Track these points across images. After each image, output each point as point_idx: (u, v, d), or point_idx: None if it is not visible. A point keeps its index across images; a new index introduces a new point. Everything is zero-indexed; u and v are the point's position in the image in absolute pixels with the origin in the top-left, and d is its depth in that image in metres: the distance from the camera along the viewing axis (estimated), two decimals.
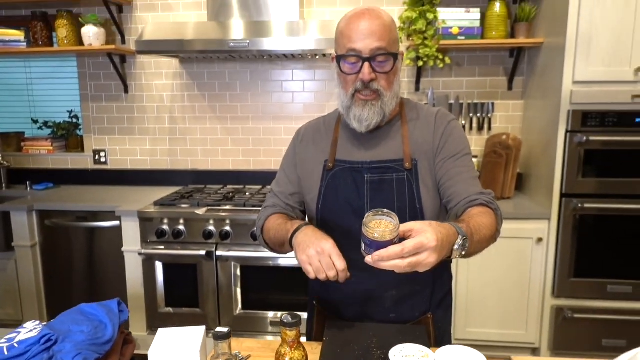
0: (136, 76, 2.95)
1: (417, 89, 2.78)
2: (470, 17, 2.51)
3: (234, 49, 2.36)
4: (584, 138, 2.17)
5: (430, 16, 2.49)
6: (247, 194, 2.67)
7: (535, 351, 2.40)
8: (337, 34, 1.17)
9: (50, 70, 3.18)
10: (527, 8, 2.48)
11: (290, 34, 2.38)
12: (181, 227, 2.35)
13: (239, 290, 2.38)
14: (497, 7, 2.50)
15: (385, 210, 0.84)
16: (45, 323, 1.01)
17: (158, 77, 2.93)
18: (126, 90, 2.95)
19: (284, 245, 1.14)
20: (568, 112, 2.19)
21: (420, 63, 2.58)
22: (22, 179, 3.00)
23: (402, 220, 0.87)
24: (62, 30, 2.72)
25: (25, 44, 2.75)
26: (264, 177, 2.88)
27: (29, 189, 2.92)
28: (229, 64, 2.88)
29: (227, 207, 2.40)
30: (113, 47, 2.68)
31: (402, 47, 2.52)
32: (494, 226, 1.06)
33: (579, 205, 2.21)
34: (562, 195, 2.24)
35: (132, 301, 2.44)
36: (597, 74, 2.14)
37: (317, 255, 0.97)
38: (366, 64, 1.09)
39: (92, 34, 2.67)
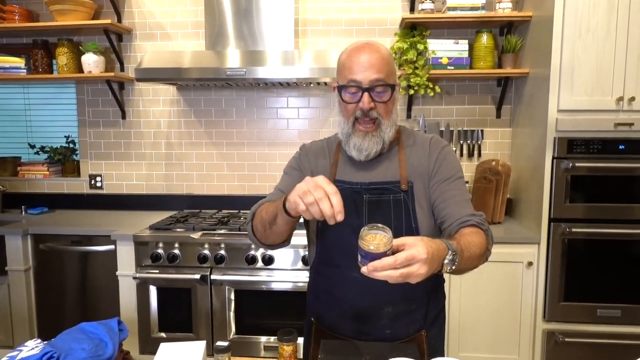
0: (134, 102, 3.01)
1: (409, 116, 2.86)
2: (458, 48, 2.61)
3: (230, 76, 2.43)
4: (570, 164, 2.24)
5: (420, 47, 2.59)
6: (242, 218, 2.70)
7: None
8: (338, 65, 1.25)
9: (49, 96, 3.23)
10: (513, 40, 2.59)
11: (285, 63, 2.46)
12: (176, 251, 2.36)
13: (232, 315, 2.38)
14: (485, 39, 2.61)
15: (379, 224, 0.89)
16: (46, 342, 1.03)
17: (155, 103, 3.00)
18: (124, 116, 3.01)
19: (276, 218, 1.10)
20: (554, 139, 2.26)
21: (412, 91, 2.67)
22: (17, 203, 3.01)
23: None
24: (63, 57, 2.79)
25: (25, 70, 2.81)
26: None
27: (23, 213, 2.93)
28: (225, 91, 2.95)
29: (222, 231, 2.43)
30: (112, 74, 2.75)
31: None
32: (484, 245, 1.11)
33: (567, 229, 2.26)
34: (550, 220, 2.29)
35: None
36: (581, 103, 2.23)
37: (306, 183, 0.94)
38: (366, 94, 1.17)
39: (91, 62, 2.73)
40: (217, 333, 2.38)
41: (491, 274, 2.33)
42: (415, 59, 2.61)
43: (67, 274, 2.53)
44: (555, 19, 2.19)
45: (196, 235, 2.37)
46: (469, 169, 2.84)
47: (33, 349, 0.98)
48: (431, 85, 2.64)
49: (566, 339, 2.30)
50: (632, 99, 2.19)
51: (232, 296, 2.37)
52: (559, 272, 2.29)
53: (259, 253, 2.33)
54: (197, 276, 2.32)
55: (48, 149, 3.14)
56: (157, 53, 2.64)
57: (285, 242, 1.25)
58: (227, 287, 2.35)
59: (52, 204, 3.07)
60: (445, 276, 1.39)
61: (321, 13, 2.84)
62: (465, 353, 2.40)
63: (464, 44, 2.61)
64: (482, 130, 2.84)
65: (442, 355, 1.31)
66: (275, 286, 2.34)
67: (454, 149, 2.85)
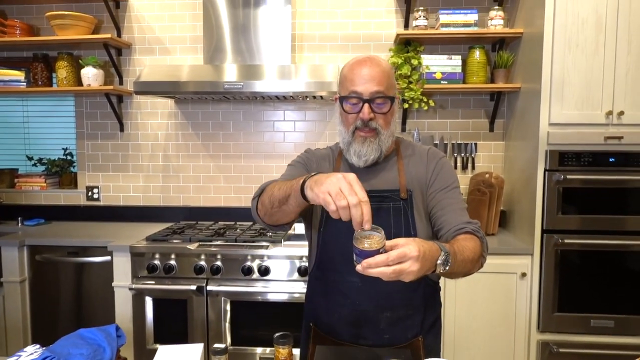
0: (132, 115, 3.04)
1: (403, 129, 2.91)
2: (452, 63, 2.67)
3: (228, 90, 2.47)
4: (562, 176, 2.28)
5: (414, 62, 2.65)
6: (238, 230, 2.72)
7: None
8: (340, 78, 1.31)
9: (47, 108, 3.26)
10: (505, 55, 2.65)
11: (282, 77, 2.51)
12: (172, 262, 2.37)
13: (228, 326, 2.38)
14: (477, 55, 2.67)
15: (373, 225, 0.92)
16: (45, 347, 1.04)
17: (153, 116, 3.03)
18: (122, 129, 3.04)
19: (288, 198, 1.07)
20: (546, 152, 2.31)
21: (406, 105, 2.72)
22: (13, 215, 3.02)
23: None
24: (62, 71, 2.82)
25: (25, 83, 2.84)
26: None
27: (20, 224, 2.94)
28: (222, 104, 2.99)
29: (219, 243, 2.44)
30: (111, 87, 2.79)
31: None
32: (478, 250, 1.15)
33: (560, 240, 2.29)
34: (543, 232, 2.32)
35: None
36: (571, 116, 2.28)
37: (338, 181, 0.91)
38: (366, 105, 1.23)
39: (91, 75, 2.77)
40: (213, 344, 2.38)
41: (485, 284, 2.35)
42: (409, 73, 2.66)
43: (63, 285, 2.54)
44: (545, 35, 2.25)
45: (192, 247, 2.38)
46: (463, 181, 2.88)
47: (32, 354, 0.99)
48: (425, 100, 2.69)
49: (560, 350, 2.31)
50: (621, 113, 2.24)
51: (228, 307, 2.37)
52: (553, 283, 2.32)
53: (255, 264, 2.35)
54: (193, 287, 2.33)
55: (46, 161, 3.16)
56: (155, 67, 2.68)
57: (289, 224, 1.23)
58: (223, 298, 2.36)
59: (49, 215, 3.08)
60: (440, 285, 1.42)
61: (317, 29, 2.90)
62: None
63: (457, 60, 2.67)
64: (475, 144, 2.89)
65: None
66: (271, 297, 2.35)
67: None
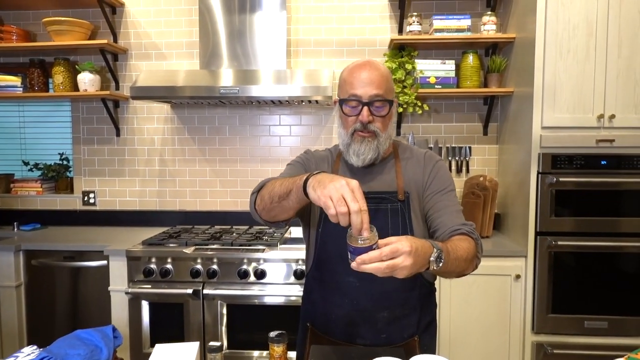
0: (128, 120, 3.05)
1: (398, 133, 2.93)
2: (446, 67, 2.70)
3: (224, 95, 2.49)
4: (555, 179, 2.31)
5: (408, 66, 2.68)
6: (234, 233, 2.72)
7: None
8: (340, 81, 1.33)
9: (44, 114, 3.27)
10: (498, 60, 2.68)
11: (278, 81, 2.53)
12: (169, 266, 2.38)
13: (224, 329, 2.39)
14: (471, 59, 2.70)
15: None
16: (42, 349, 1.05)
17: (150, 121, 3.04)
18: (118, 134, 3.05)
19: (289, 194, 1.08)
20: (538, 155, 2.33)
21: (400, 109, 2.75)
22: (9, 220, 3.01)
23: None
24: (59, 76, 2.84)
25: (21, 89, 2.85)
26: (251, 218, 2.93)
27: (16, 229, 2.94)
28: (218, 109, 3.01)
29: (215, 246, 2.45)
30: (107, 92, 2.80)
31: None
32: (472, 251, 1.17)
33: (553, 242, 2.32)
34: (536, 234, 2.35)
35: None
36: (563, 120, 2.31)
37: (341, 187, 0.92)
38: (365, 108, 1.25)
39: (87, 80, 2.79)
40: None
41: (480, 286, 2.37)
42: (403, 78, 2.69)
43: (59, 289, 2.54)
44: (537, 40, 2.28)
45: (189, 250, 2.39)
46: (457, 184, 2.88)
47: (29, 355, 1.00)
48: (419, 104, 2.72)
49: (555, 351, 2.33)
50: (612, 116, 2.27)
51: (224, 311, 2.38)
52: (547, 285, 2.34)
53: (251, 268, 2.36)
54: (190, 291, 2.33)
55: (42, 166, 3.16)
56: (152, 72, 2.70)
57: (286, 220, 1.23)
58: (219, 301, 2.37)
59: (45, 220, 3.08)
60: (436, 286, 1.44)
61: (312, 34, 2.93)
62: None
63: (450, 64, 2.70)
64: (469, 147, 2.91)
65: None
66: (268, 300, 2.35)
67: None
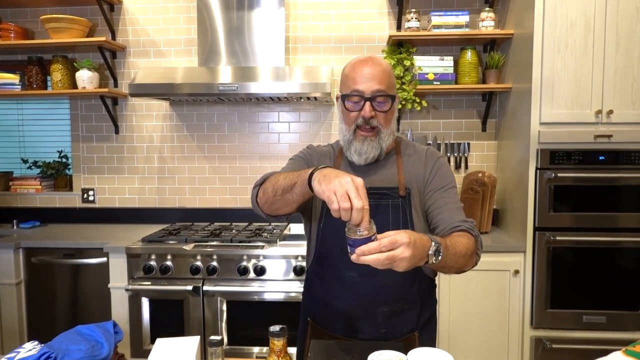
0: (127, 117, 3.05)
1: (397, 129, 2.94)
2: (444, 64, 2.70)
3: (222, 92, 2.49)
4: (553, 175, 2.31)
5: (407, 63, 2.68)
6: (234, 230, 2.73)
7: None
8: (342, 77, 1.34)
9: (42, 111, 3.27)
10: (496, 56, 2.68)
11: (276, 78, 2.53)
12: (168, 263, 2.39)
13: (224, 326, 2.40)
14: (469, 56, 2.70)
15: None
16: (43, 344, 1.05)
17: (148, 118, 3.04)
18: (117, 131, 3.05)
19: (294, 187, 1.09)
20: (537, 150, 2.34)
21: (399, 106, 2.75)
22: (9, 217, 3.02)
23: None
24: (57, 74, 2.83)
25: (20, 87, 2.85)
26: (251, 215, 2.96)
27: (15, 227, 2.94)
28: (217, 106, 3.01)
29: (214, 243, 2.46)
30: (106, 90, 2.80)
31: None
32: (472, 247, 1.17)
33: (552, 238, 2.33)
34: (535, 229, 2.36)
35: None
36: (561, 116, 2.32)
37: (347, 184, 0.93)
38: (367, 103, 1.26)
39: (86, 78, 2.78)
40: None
41: (479, 282, 2.38)
42: (402, 74, 2.69)
43: (59, 287, 2.54)
44: (535, 36, 2.29)
45: (188, 247, 2.40)
46: (456, 180, 2.90)
47: (30, 350, 1.00)
48: (418, 100, 2.73)
49: (554, 346, 2.34)
50: (610, 112, 2.28)
51: (224, 307, 2.39)
52: (545, 280, 2.35)
53: (250, 264, 2.36)
54: (190, 287, 2.34)
55: (41, 164, 3.17)
56: (150, 69, 2.70)
57: (286, 215, 1.24)
58: (219, 298, 2.37)
59: (44, 218, 3.08)
60: (435, 282, 1.44)
61: (311, 31, 2.93)
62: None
63: (449, 60, 2.70)
64: (468, 143, 2.92)
65: None
66: (267, 297, 2.36)
67: None
